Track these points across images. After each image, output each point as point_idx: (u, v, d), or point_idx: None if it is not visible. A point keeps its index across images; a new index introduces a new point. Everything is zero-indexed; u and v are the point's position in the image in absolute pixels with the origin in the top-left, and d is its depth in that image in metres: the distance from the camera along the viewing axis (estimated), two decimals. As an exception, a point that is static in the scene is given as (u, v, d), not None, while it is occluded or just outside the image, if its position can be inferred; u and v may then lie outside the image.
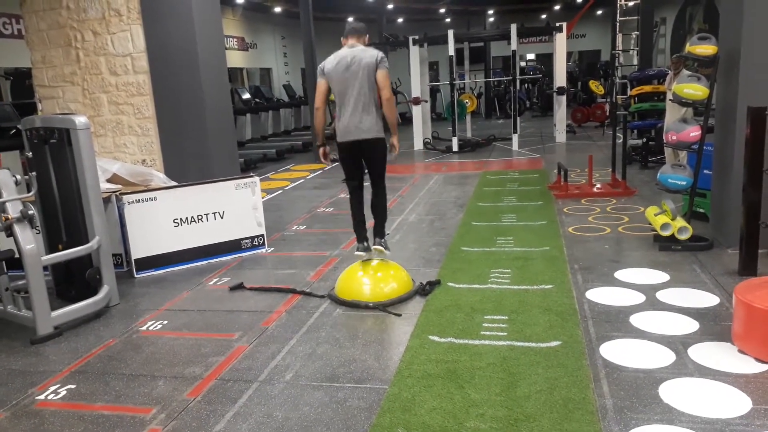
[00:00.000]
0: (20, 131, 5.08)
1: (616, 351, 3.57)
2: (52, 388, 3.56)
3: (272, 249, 6.30)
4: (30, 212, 4.32)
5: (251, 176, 6.25)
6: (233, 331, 4.25)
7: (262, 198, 6.47)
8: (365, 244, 4.81)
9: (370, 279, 4.70)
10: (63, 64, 6.80)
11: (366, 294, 4.58)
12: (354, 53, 4.46)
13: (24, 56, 7.85)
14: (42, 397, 3.47)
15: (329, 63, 4.52)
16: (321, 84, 4.58)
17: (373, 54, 4.45)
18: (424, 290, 4.71)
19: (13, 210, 4.29)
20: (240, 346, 3.97)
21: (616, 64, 13.14)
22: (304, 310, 4.55)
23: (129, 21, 6.47)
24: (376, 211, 4.84)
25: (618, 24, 13.35)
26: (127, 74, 6.60)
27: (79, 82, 6.79)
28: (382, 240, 4.82)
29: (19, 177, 4.51)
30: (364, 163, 4.73)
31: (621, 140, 7.83)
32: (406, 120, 19.60)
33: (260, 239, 6.22)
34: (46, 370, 3.82)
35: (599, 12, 22.79)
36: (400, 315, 4.32)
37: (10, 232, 4.27)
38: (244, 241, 6.13)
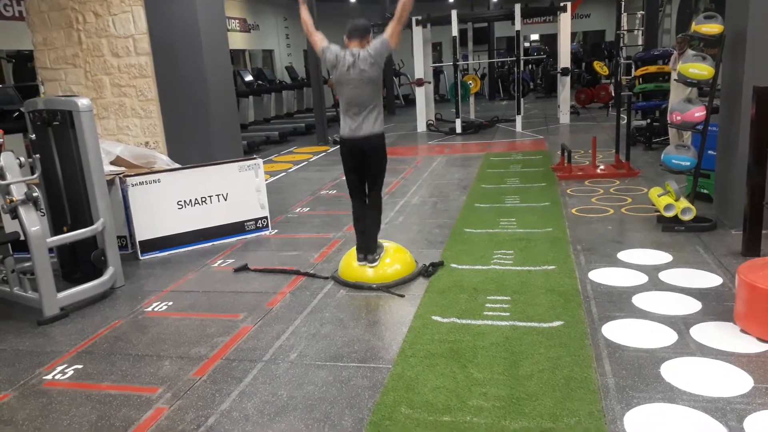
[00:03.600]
0: (23, 114, 5.08)
1: (619, 331, 3.59)
2: (59, 368, 3.60)
3: (276, 231, 6.32)
4: (34, 194, 4.34)
5: (254, 158, 6.25)
6: (238, 311, 4.28)
7: (266, 180, 6.47)
8: (364, 256, 4.68)
9: (374, 260, 4.71)
10: (65, 45, 6.78)
11: (369, 275, 4.60)
12: (355, 62, 4.34)
13: (25, 38, 7.82)
14: (49, 377, 3.51)
15: (331, 53, 4.43)
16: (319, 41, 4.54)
17: (366, 55, 4.33)
18: (427, 271, 4.73)
19: (18, 192, 4.30)
20: (245, 327, 4.01)
21: (621, 44, 13.01)
22: (308, 291, 4.57)
23: (131, 2, 6.42)
24: (368, 218, 4.69)
25: (623, 3, 13.19)
26: (129, 56, 6.57)
27: (81, 64, 6.77)
28: (372, 254, 4.65)
29: (23, 159, 4.52)
30: (363, 168, 4.61)
31: (625, 121, 7.78)
32: (409, 101, 19.52)
33: (264, 221, 6.24)
34: (53, 350, 3.86)
35: (604, -9, 22.53)
36: (403, 296, 4.35)
37: (15, 215, 4.30)
38: (248, 223, 6.15)
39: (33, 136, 4.90)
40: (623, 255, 4.90)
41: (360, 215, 4.74)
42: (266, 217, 6.25)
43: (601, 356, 3.31)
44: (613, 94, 13.68)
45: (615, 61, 14.19)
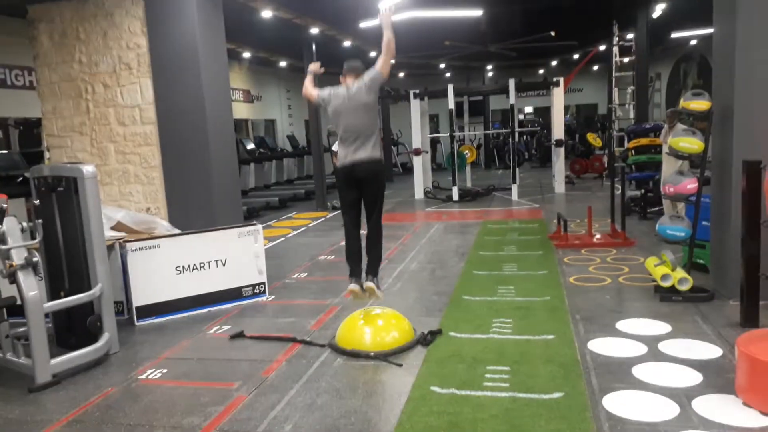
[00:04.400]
0: (27, 179, 5.17)
1: (620, 403, 3.54)
2: (49, 438, 3.51)
3: (273, 297, 6.30)
4: (34, 259, 4.35)
5: (254, 224, 6.31)
6: (233, 380, 4.21)
7: (264, 245, 6.51)
8: (357, 279, 4.77)
9: (371, 328, 4.68)
10: (73, 114, 6.98)
11: (367, 343, 4.56)
12: (351, 92, 4.63)
13: (33, 106, 8.06)
14: (38, 446, 3.42)
15: (325, 90, 4.76)
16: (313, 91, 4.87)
17: (361, 83, 4.61)
18: (425, 340, 4.69)
19: (18, 257, 4.32)
20: (239, 396, 3.94)
21: (613, 117, 13.42)
22: (304, 360, 4.52)
23: (139, 74, 6.67)
24: (370, 249, 4.79)
25: (614, 79, 13.69)
26: (134, 125, 6.75)
27: (87, 132, 6.94)
28: (375, 278, 4.76)
29: (25, 224, 4.57)
30: (362, 196, 4.73)
31: (619, 191, 7.92)
32: (407, 170, 19.85)
33: (261, 287, 6.23)
34: (44, 419, 3.77)
35: (595, 67, 23.39)
36: (401, 365, 4.30)
37: (13, 279, 4.30)
38: (245, 289, 6.14)
39: (37, 202, 4.97)
40: (622, 325, 4.88)
41: (355, 249, 4.80)
42: (264, 283, 6.25)
43: (602, 429, 3.25)
44: (606, 165, 13.95)
45: (608, 134, 14.58)
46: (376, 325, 4.72)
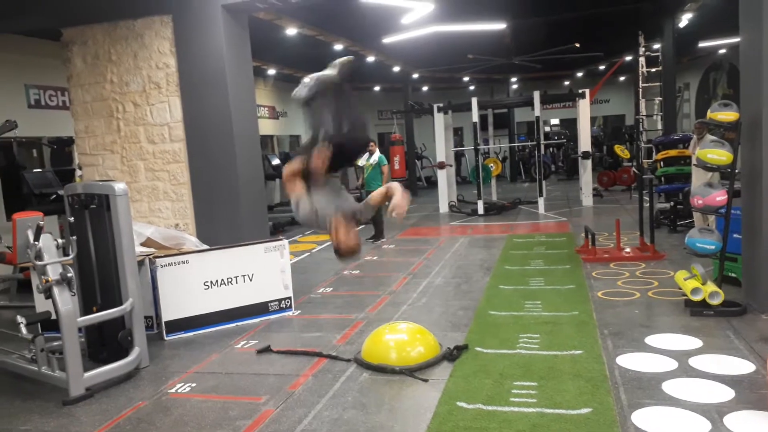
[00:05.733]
0: (60, 197, 5.32)
1: (649, 419, 3.49)
2: (82, 451, 3.59)
3: (299, 311, 6.34)
4: (69, 275, 4.48)
5: (280, 239, 6.38)
6: (260, 394, 4.25)
7: (290, 260, 6.57)
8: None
9: (397, 343, 4.69)
10: (104, 133, 7.16)
11: (392, 358, 4.57)
12: None
13: (65, 126, 8.29)
14: (71, 459, 3.50)
15: None
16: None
17: None
18: (451, 355, 4.68)
19: (53, 273, 4.45)
20: (267, 410, 3.97)
21: (641, 128, 13.25)
22: (330, 374, 4.54)
23: (168, 93, 6.83)
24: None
25: (641, 90, 13.55)
26: (164, 143, 6.91)
27: (118, 150, 7.12)
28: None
29: (59, 241, 4.70)
30: None
31: (648, 204, 7.82)
32: (431, 183, 19.86)
33: (287, 302, 6.29)
34: (78, 431, 3.86)
35: (622, 78, 23.16)
36: (427, 380, 4.29)
37: (48, 294, 4.42)
38: (272, 304, 6.20)
39: (71, 219, 5.11)
40: (651, 340, 4.81)
41: None
42: (290, 298, 6.30)
43: (633, 446, 3.21)
44: (635, 177, 13.78)
45: (636, 145, 14.41)
46: (401, 340, 4.72)
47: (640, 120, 13.31)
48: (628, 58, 16.93)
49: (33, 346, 4.58)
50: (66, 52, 7.27)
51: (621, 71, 20.08)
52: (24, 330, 4.58)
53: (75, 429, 3.90)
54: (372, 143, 10.66)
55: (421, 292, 6.82)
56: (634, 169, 13.57)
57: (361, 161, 11.10)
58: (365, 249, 9.79)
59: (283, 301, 6.26)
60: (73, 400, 4.29)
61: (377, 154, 10.48)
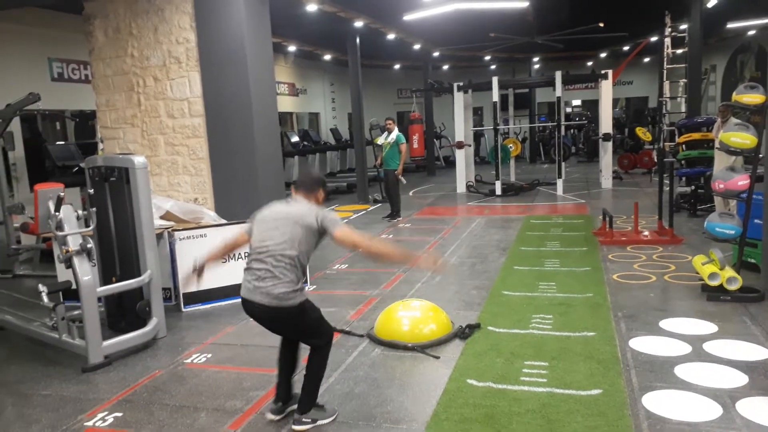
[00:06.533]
0: (82, 169, 5.40)
1: (660, 402, 3.49)
2: (100, 415, 3.70)
3: (314, 287, 6.40)
4: (89, 246, 4.56)
5: (296, 216, 6.41)
6: (274, 366, 4.30)
7: (307, 237, 6.60)
8: (279, 405, 3.56)
9: (410, 320, 4.73)
10: (125, 107, 7.22)
11: (405, 335, 4.61)
12: (291, 208, 3.49)
13: (88, 99, 8.37)
14: (90, 423, 3.61)
15: (260, 212, 3.56)
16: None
17: (312, 212, 3.41)
18: (463, 333, 4.71)
19: (74, 243, 4.54)
20: (280, 382, 4.03)
21: (664, 111, 13.01)
22: (343, 349, 4.60)
23: (188, 68, 6.84)
24: (307, 372, 3.49)
25: (665, 72, 13.27)
26: (183, 117, 6.95)
27: (138, 124, 7.18)
28: (303, 417, 3.41)
29: (80, 212, 4.79)
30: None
31: (668, 187, 7.72)
32: (449, 163, 19.77)
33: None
34: (96, 397, 3.97)
35: (646, 59, 22.70)
36: (438, 357, 4.33)
37: (69, 264, 4.52)
38: (288, 279, 6.24)
39: (91, 191, 5.19)
40: (666, 323, 4.78)
41: (284, 358, 3.65)
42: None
43: (641, 428, 3.22)
44: (656, 160, 13.58)
45: (658, 128, 14.17)
46: (414, 317, 4.76)
47: (664, 102, 13.05)
48: (654, 38, 16.56)
49: (54, 315, 4.70)
50: (87, 26, 7.31)
51: (645, 52, 19.67)
52: (45, 298, 4.70)
53: (93, 395, 4.01)
54: (390, 121, 10.61)
55: (435, 271, 6.84)
56: (655, 152, 13.37)
57: (380, 140, 11.08)
58: (381, 227, 9.82)
59: (298, 277, 6.30)
60: (92, 368, 4.40)
61: (395, 132, 10.43)
